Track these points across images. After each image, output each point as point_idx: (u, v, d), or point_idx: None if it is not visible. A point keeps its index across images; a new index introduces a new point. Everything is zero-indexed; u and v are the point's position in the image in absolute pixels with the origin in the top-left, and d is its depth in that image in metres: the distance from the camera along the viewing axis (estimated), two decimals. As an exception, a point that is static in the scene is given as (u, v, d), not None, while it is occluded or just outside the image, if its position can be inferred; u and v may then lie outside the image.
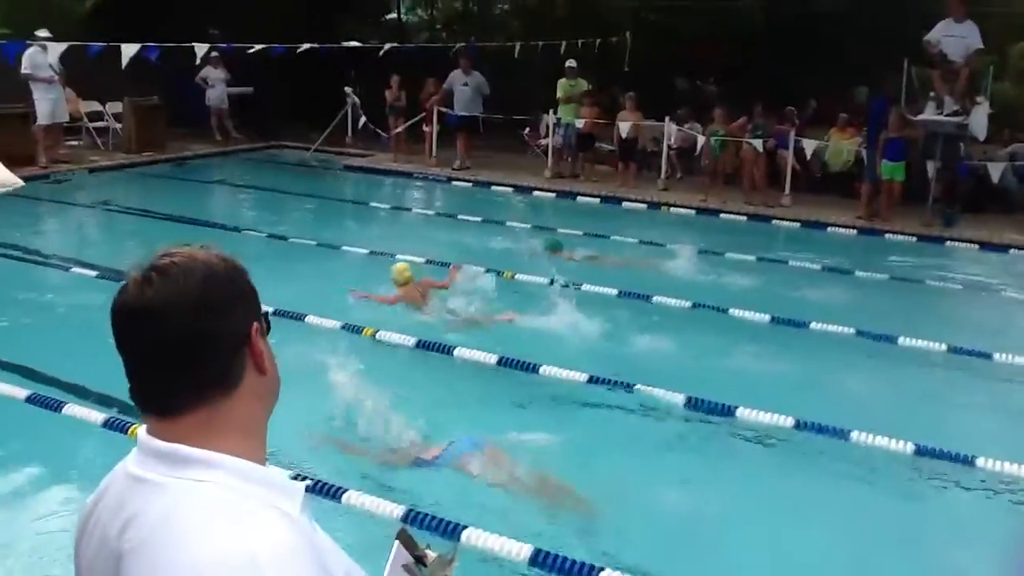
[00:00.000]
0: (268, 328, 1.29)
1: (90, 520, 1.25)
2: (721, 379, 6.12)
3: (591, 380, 5.80)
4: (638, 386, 5.67)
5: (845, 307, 7.80)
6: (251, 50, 12.62)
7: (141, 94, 14.95)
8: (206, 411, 1.19)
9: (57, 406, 5.09)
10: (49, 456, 4.68)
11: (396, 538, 1.59)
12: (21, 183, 1.49)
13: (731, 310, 7.37)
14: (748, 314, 7.29)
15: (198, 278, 1.20)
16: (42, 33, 13.06)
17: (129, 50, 11.38)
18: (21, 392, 5.31)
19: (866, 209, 11.66)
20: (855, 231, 11.27)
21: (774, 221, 11.66)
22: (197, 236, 9.99)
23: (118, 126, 15.53)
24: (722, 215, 11.92)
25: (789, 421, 5.25)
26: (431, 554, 1.60)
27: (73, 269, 8.37)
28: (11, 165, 12.36)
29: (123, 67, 11.43)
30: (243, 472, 1.17)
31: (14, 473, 4.57)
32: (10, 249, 9.03)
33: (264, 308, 1.30)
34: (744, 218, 11.80)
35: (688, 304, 7.55)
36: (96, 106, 15.52)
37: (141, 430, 1.23)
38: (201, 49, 13.13)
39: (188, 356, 1.18)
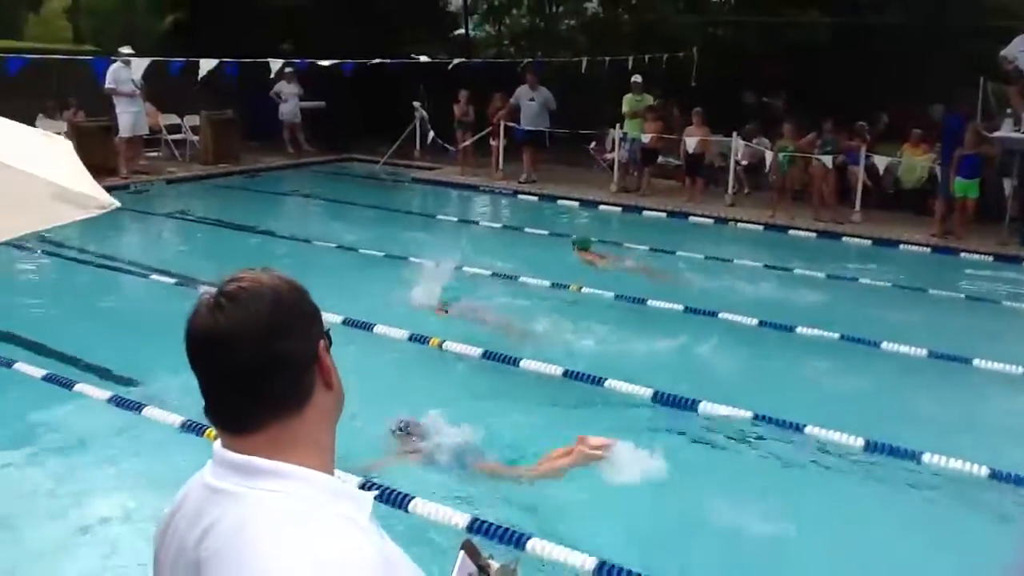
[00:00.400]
0: (330, 343, 1.34)
1: (168, 530, 1.30)
2: (788, 397, 6.05)
3: (656, 397, 5.78)
4: (703, 403, 5.65)
5: (918, 327, 7.63)
6: (324, 63, 12.90)
7: (217, 108, 15.41)
8: (278, 427, 1.25)
9: (138, 407, 5.29)
10: (131, 455, 4.87)
11: (461, 548, 1.63)
12: (116, 204, 1.58)
13: (799, 328, 7.27)
14: (816, 332, 7.19)
15: (267, 302, 1.25)
16: (125, 50, 13.70)
17: (207, 65, 11.75)
18: (103, 393, 5.53)
19: (940, 227, 11.40)
20: (928, 249, 11.03)
21: (844, 238, 11.47)
22: (269, 247, 10.31)
23: (195, 139, 16.01)
24: (790, 231, 11.77)
25: (859, 441, 5.18)
26: (494, 564, 1.63)
27: (152, 276, 8.65)
28: (94, 175, 12.87)
29: (199, 81, 11.82)
30: (314, 482, 1.22)
31: (97, 473, 4.76)
32: (93, 256, 9.37)
33: (327, 324, 1.35)
34: (813, 235, 11.64)
35: (754, 321, 7.48)
36: (175, 119, 16.04)
37: (217, 442, 1.29)
38: (276, 65, 13.49)
39: (262, 379, 1.24)
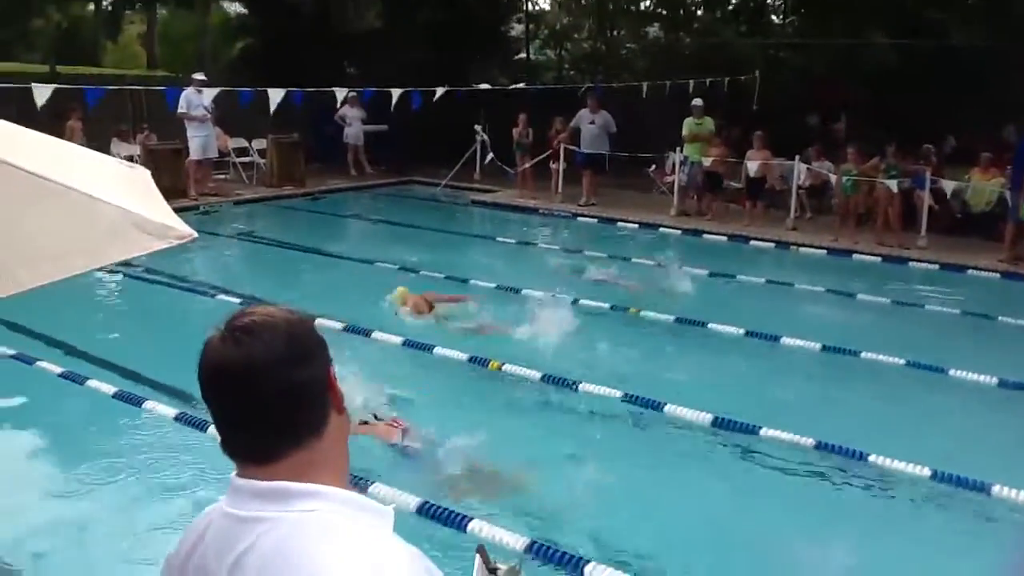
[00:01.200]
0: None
1: (188, 565, 1.31)
2: (852, 424, 5.95)
3: (715, 422, 5.73)
4: (764, 429, 5.58)
5: (986, 354, 7.43)
6: (393, 93, 13.19)
7: (282, 131, 15.78)
8: (301, 453, 1.27)
9: (203, 425, 5.43)
10: (197, 471, 5.00)
11: (476, 552, 1.82)
12: (194, 234, 1.64)
13: (863, 353, 7.14)
14: (881, 357, 7.05)
15: (282, 333, 1.27)
16: (199, 76, 14.18)
17: (275, 96, 12.10)
18: (171, 411, 5.69)
19: (1009, 252, 11.10)
20: (997, 275, 10.74)
21: (910, 263, 11.23)
22: (332, 267, 10.50)
23: (262, 161, 16.41)
24: (854, 255, 11.57)
25: (925, 471, 5.06)
26: (502, 567, 1.84)
27: (218, 296, 8.87)
28: (165, 196, 13.27)
29: (271, 112, 12.18)
30: (346, 499, 1.26)
31: (163, 484, 4.89)
32: (162, 276, 9.62)
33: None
34: (878, 259, 11.42)
35: (817, 346, 7.37)
36: (243, 143, 16.47)
37: (232, 475, 1.30)
38: (342, 93, 13.80)
39: (285, 408, 1.26)
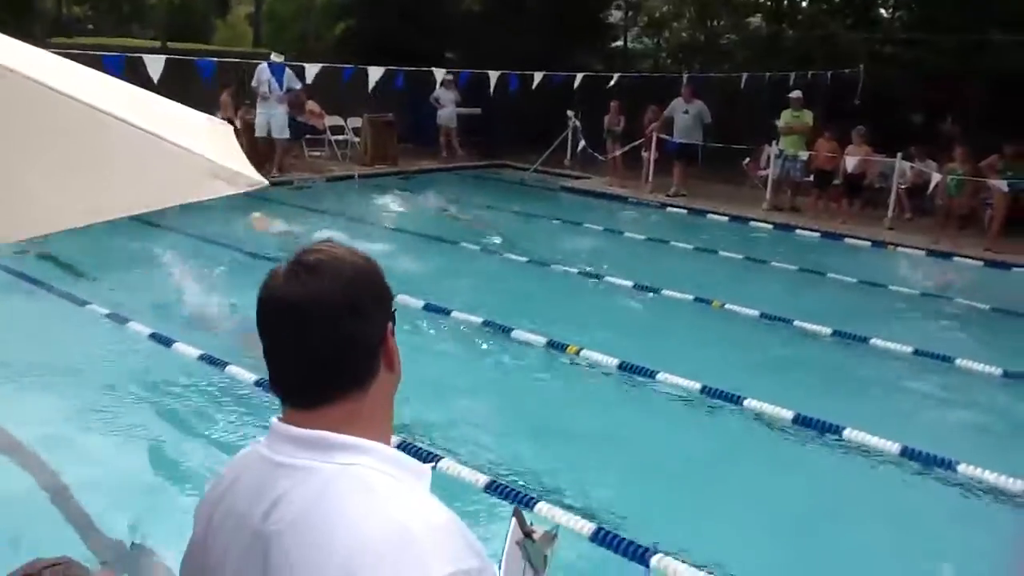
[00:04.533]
0: (394, 325, 1.32)
1: (219, 507, 1.29)
2: (942, 433, 5.74)
3: (796, 419, 5.60)
4: (847, 429, 5.42)
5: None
6: (491, 75, 13.25)
7: (377, 110, 15.99)
8: (344, 402, 1.24)
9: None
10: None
11: (512, 515, 1.81)
12: (264, 182, 1.69)
13: (957, 360, 6.87)
14: (977, 366, 6.77)
15: (345, 279, 1.24)
16: (276, 56, 14.45)
17: (375, 73, 12.25)
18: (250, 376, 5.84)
19: None
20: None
21: (1014, 269, 10.72)
22: (418, 246, 10.60)
23: (356, 140, 16.70)
24: (955, 258, 11.11)
25: (1019, 485, 4.83)
26: (538, 530, 1.82)
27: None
28: (259, 171, 13.64)
29: (370, 90, 12.32)
30: (389, 456, 1.23)
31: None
32: (233, 245, 9.80)
33: (397, 305, 1.34)
34: (980, 263, 10.94)
35: (909, 349, 7.12)
36: (338, 120, 16.78)
37: (274, 419, 1.28)
38: (440, 74, 13.89)
39: (335, 355, 1.23)
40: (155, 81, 10.29)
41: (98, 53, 11.05)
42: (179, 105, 1.90)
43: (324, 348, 1.22)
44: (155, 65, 10.74)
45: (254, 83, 14.06)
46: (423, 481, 1.25)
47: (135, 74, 10.58)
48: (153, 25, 28.56)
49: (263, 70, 14.02)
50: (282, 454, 1.23)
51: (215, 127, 1.92)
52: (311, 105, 15.62)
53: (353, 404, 1.25)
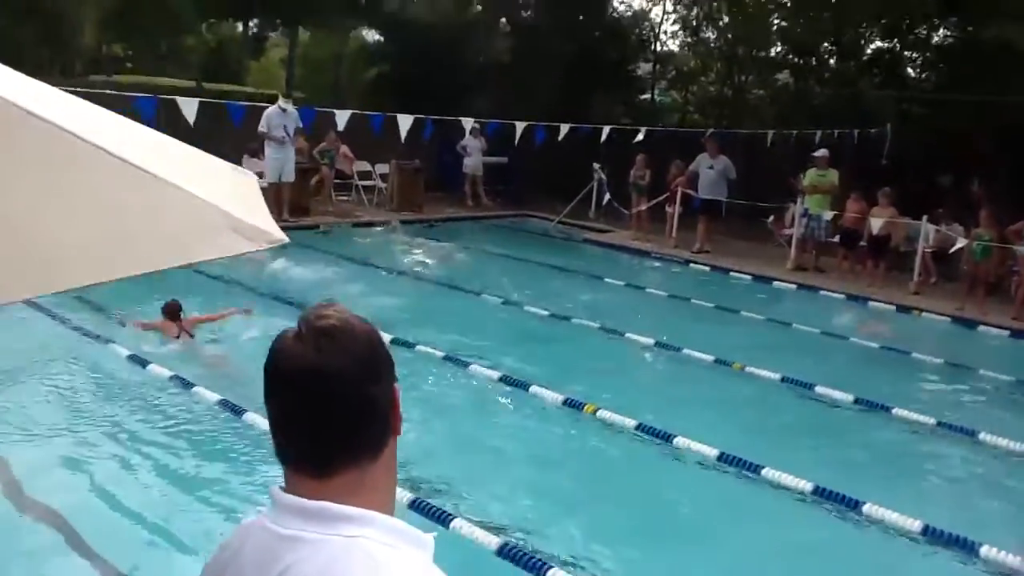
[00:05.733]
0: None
1: None
2: (964, 510, 5.62)
3: (816, 491, 5.51)
4: (867, 504, 5.32)
5: None
6: (517, 126, 13.39)
7: (404, 157, 16.18)
8: (357, 471, 1.24)
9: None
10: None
11: None
12: (285, 239, 1.68)
13: (981, 434, 6.75)
14: (1002, 441, 6.65)
15: (362, 344, 1.24)
16: (284, 101, 14.30)
17: (405, 122, 12.43)
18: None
19: None
20: None
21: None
22: (439, 295, 10.64)
23: (383, 185, 16.87)
24: (980, 327, 10.97)
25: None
26: None
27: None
28: (289, 213, 13.81)
29: (402, 140, 12.47)
30: (393, 528, 1.23)
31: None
32: (261, 285, 9.86)
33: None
34: (1006, 332, 10.79)
35: (933, 421, 7.01)
36: (366, 166, 16.98)
37: (275, 489, 1.27)
38: (468, 123, 14.05)
39: (354, 422, 1.23)
40: (191, 124, 10.49)
41: (133, 94, 11.29)
42: (205, 154, 1.88)
43: (344, 416, 1.22)
44: (189, 108, 10.95)
45: (262, 127, 13.80)
46: (427, 552, 1.24)
47: (170, 115, 10.83)
48: (189, 65, 29.15)
49: (276, 113, 13.86)
50: (287, 526, 1.22)
51: (240, 178, 1.91)
52: (344, 149, 15.88)
53: (361, 472, 1.25)
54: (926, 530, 5.09)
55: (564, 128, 14.07)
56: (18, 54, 22.28)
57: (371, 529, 1.21)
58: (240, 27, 28.16)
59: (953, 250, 11.93)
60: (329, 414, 1.22)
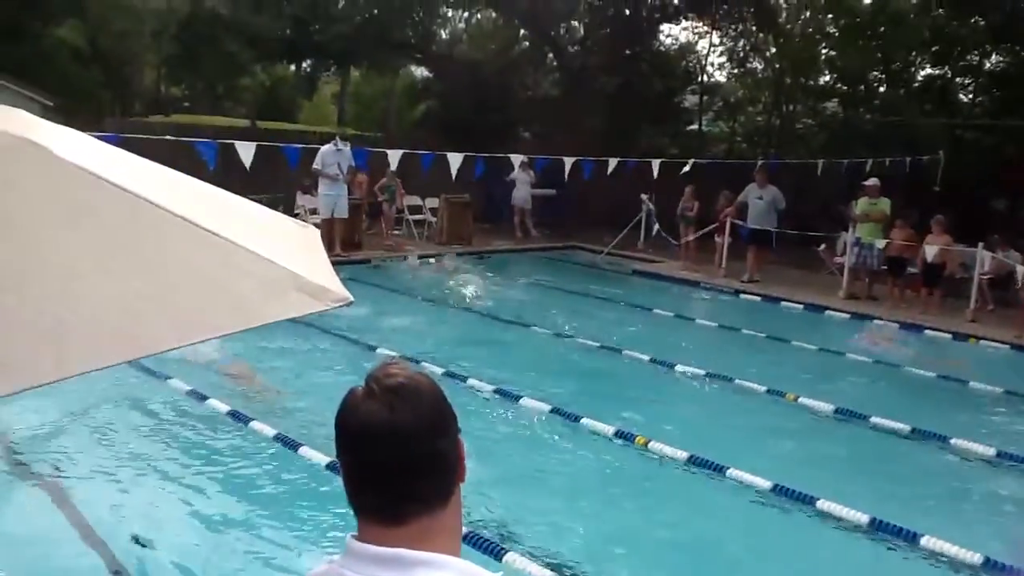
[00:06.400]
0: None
1: None
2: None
3: (872, 523, 5.46)
4: (925, 536, 5.26)
5: None
6: (567, 161, 13.56)
7: (454, 191, 16.41)
8: (428, 519, 1.31)
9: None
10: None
11: None
12: (350, 298, 1.71)
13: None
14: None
15: (430, 400, 1.33)
16: (339, 140, 14.67)
17: (455, 160, 12.67)
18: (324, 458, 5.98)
19: None
20: None
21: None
22: (489, 328, 10.74)
23: (433, 219, 17.12)
24: (1039, 355, 10.74)
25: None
26: None
27: (379, 350, 9.10)
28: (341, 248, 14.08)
29: (453, 178, 12.70)
30: (466, 570, 1.30)
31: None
32: (321, 326, 10.03)
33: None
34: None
35: (992, 452, 6.90)
36: (416, 200, 17.25)
37: (350, 537, 1.34)
38: (517, 159, 14.22)
39: (425, 474, 1.31)
40: (248, 168, 10.79)
41: (191, 139, 11.65)
42: (270, 211, 1.95)
43: (417, 470, 1.31)
44: (246, 151, 11.28)
45: (317, 165, 14.11)
46: None
47: (227, 156, 11.20)
48: (244, 104, 29.98)
49: (330, 151, 14.18)
50: (363, 573, 1.29)
51: (304, 234, 1.98)
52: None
53: (432, 519, 1.32)
54: (987, 563, 5.01)
55: (612, 162, 14.17)
56: (84, 96, 23.22)
57: (445, 572, 1.28)
58: (293, 67, 28.93)
59: (1013, 276, 11.72)
60: (403, 469, 1.30)
